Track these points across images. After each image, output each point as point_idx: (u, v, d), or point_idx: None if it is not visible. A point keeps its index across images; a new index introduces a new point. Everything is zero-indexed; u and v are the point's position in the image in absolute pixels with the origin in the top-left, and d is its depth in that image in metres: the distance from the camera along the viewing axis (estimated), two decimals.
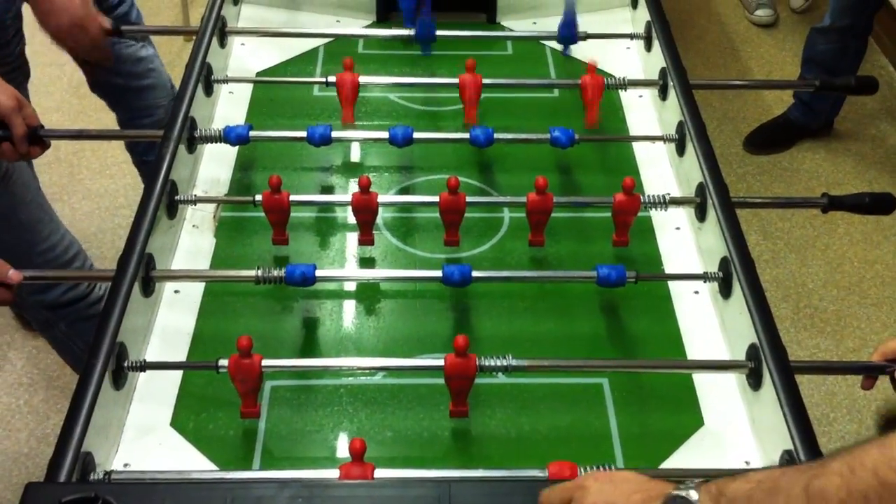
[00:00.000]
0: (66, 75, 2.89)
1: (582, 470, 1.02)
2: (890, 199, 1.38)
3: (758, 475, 0.77)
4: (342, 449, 1.17)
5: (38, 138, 1.45)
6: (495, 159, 1.61)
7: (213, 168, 1.58)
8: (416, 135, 1.51)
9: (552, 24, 1.87)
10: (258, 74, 1.81)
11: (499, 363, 1.14)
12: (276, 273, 1.25)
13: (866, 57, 2.82)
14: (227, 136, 1.50)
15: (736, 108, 3.01)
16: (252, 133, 1.50)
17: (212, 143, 1.53)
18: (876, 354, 1.14)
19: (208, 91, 1.65)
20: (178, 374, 1.22)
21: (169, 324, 1.30)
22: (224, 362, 1.12)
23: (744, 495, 0.76)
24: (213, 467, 1.13)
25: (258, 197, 1.37)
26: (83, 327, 1.81)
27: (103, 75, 2.06)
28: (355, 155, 1.64)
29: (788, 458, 1.02)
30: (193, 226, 1.46)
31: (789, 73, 3.25)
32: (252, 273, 1.26)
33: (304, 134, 1.49)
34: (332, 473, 1.03)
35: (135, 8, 2.10)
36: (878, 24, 2.99)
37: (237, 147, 1.62)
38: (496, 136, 1.52)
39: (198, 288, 1.36)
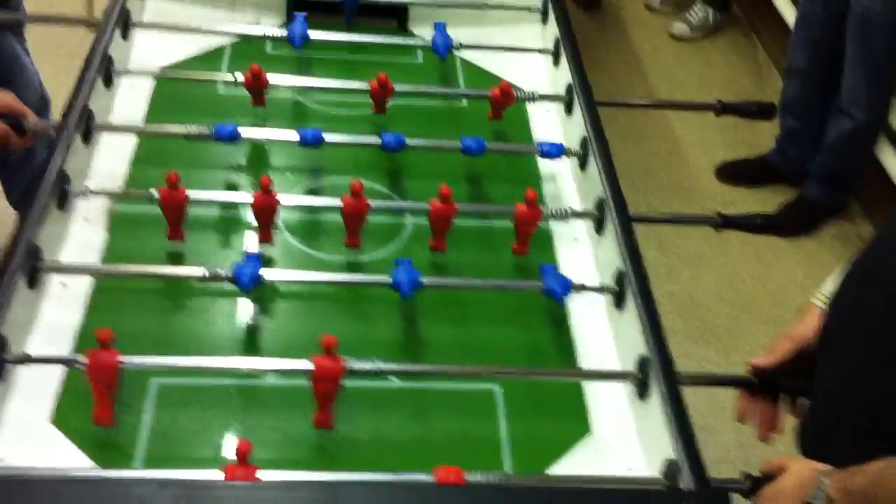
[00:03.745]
0: None
1: (468, 475, 1.02)
2: (778, 221, 1.43)
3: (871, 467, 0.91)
4: (229, 450, 1.15)
5: (22, 130, 1.46)
6: (403, 165, 1.61)
7: (109, 161, 1.54)
8: (327, 137, 1.51)
9: (463, 33, 1.89)
10: (162, 69, 1.77)
11: (367, 367, 1.13)
12: (223, 272, 1.23)
13: None
14: (220, 133, 1.48)
15: (641, 125, 3.08)
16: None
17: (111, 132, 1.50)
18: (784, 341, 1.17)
19: (108, 83, 1.61)
20: (61, 369, 1.18)
21: (54, 319, 1.25)
22: (83, 358, 1.09)
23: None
24: (92, 465, 1.09)
25: (154, 192, 1.35)
26: None
27: None
28: (261, 155, 1.62)
29: (669, 467, 1.04)
30: (85, 219, 1.41)
31: (691, 91, 3.36)
32: (149, 269, 1.25)
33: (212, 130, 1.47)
34: (216, 475, 1.01)
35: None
36: None
37: (135, 140, 1.58)
38: (408, 141, 1.52)
39: (86, 283, 1.32)
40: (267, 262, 1.41)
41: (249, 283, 1.24)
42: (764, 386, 1.16)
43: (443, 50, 1.80)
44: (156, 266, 1.33)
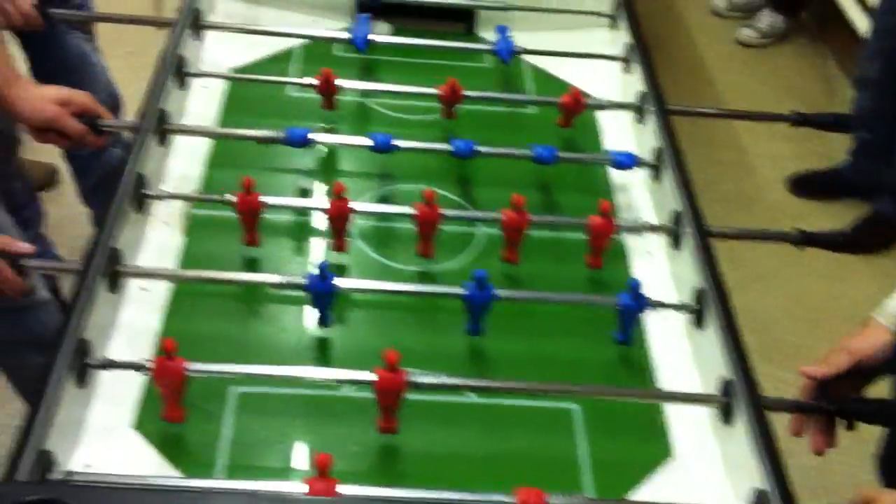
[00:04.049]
0: None
1: (549, 497, 1.01)
2: (860, 241, 1.40)
3: None
4: (306, 461, 1.15)
5: (97, 129, 1.46)
6: (472, 172, 1.60)
7: (184, 164, 1.54)
8: (397, 142, 1.50)
9: (531, 37, 1.87)
10: (233, 70, 1.78)
11: (430, 380, 1.13)
12: (299, 280, 1.24)
13: None
14: (292, 138, 1.49)
15: (706, 132, 3.03)
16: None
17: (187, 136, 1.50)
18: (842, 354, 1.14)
19: (181, 84, 1.62)
20: (142, 374, 1.19)
21: (134, 322, 1.26)
22: (150, 363, 1.10)
23: None
24: (176, 473, 1.10)
25: (230, 196, 1.35)
26: (12, 323, 1.72)
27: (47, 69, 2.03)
28: (331, 159, 1.62)
29: (759, 498, 1.02)
30: (163, 222, 1.42)
31: (758, 99, 3.29)
32: (226, 275, 1.25)
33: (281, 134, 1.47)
34: (298, 487, 1.01)
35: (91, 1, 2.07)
36: None
37: (210, 143, 1.59)
38: (478, 148, 1.51)
39: (165, 286, 1.32)
40: (339, 269, 1.41)
41: (326, 298, 1.24)
42: (844, 416, 1.13)
43: (505, 54, 1.78)
44: (234, 273, 1.33)
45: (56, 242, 2.28)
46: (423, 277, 1.41)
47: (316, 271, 1.23)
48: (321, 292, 1.24)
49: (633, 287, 1.26)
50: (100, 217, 1.30)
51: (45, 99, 1.43)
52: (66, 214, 2.61)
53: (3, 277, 1.18)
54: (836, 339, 2.39)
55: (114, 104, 2.20)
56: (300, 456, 1.15)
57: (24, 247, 1.21)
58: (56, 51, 2.04)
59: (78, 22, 2.05)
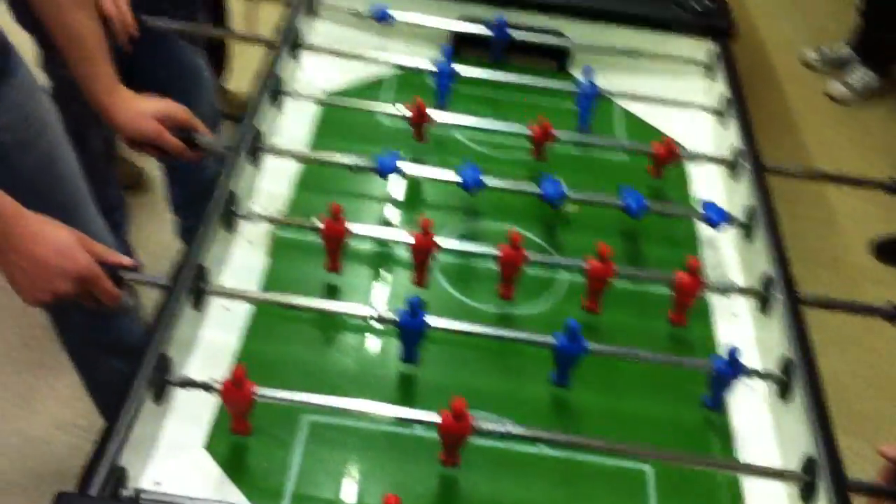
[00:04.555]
0: None
1: None
2: None
3: None
4: (373, 498, 1.14)
5: (194, 145, 1.48)
6: (558, 216, 1.58)
7: (273, 184, 1.55)
8: (486, 181, 1.49)
9: (622, 81, 1.86)
10: (327, 94, 1.79)
11: (495, 428, 1.11)
12: (390, 315, 1.24)
13: None
14: (382, 167, 1.49)
15: (792, 187, 2.96)
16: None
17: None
18: None
19: (276, 104, 1.64)
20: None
21: (214, 341, 1.27)
22: (217, 385, 1.11)
23: None
24: (242, 497, 1.10)
25: (317, 222, 1.35)
26: (95, 326, 1.74)
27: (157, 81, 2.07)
28: (417, 191, 1.61)
29: None
30: (248, 241, 1.43)
31: (846, 156, 3.21)
32: (311, 303, 1.26)
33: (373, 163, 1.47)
34: None
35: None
36: None
37: (298, 165, 1.60)
38: (567, 193, 1.50)
39: (247, 307, 1.33)
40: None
41: (415, 335, 1.24)
42: None
43: (588, 96, 1.76)
44: (321, 300, 1.33)
45: (137, 247, 2.33)
46: (502, 319, 1.40)
47: (405, 307, 1.23)
48: (411, 329, 1.23)
49: (731, 353, 1.23)
50: (187, 229, 1.31)
51: (144, 113, 1.45)
52: (150, 220, 2.66)
53: (103, 288, 1.19)
54: None
55: (215, 119, 2.23)
56: (367, 492, 1.14)
57: (126, 260, 1.23)
58: (171, 63, 2.08)
59: (196, 36, 2.09)
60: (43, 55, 2.05)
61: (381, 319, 1.24)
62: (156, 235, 2.56)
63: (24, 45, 1.58)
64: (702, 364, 1.25)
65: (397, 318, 1.22)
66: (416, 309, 1.22)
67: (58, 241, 1.15)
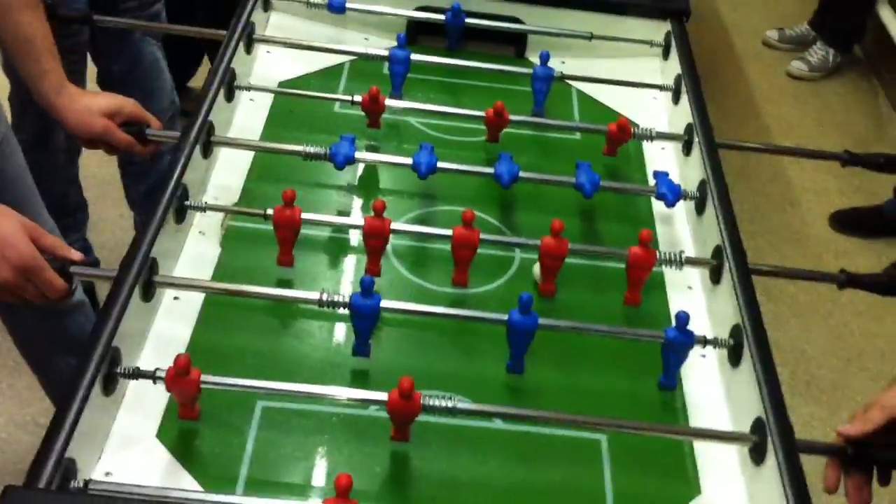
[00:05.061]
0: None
1: None
2: None
3: None
4: (328, 479, 1.14)
5: (146, 139, 1.49)
6: (512, 196, 1.59)
7: (226, 174, 1.55)
8: (440, 164, 1.50)
9: (580, 64, 1.87)
10: (280, 84, 1.79)
11: (444, 404, 1.11)
12: (340, 299, 1.22)
13: None
14: (334, 157, 1.48)
15: (752, 165, 3.00)
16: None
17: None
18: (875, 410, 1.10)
19: (229, 96, 1.63)
20: None
21: (165, 332, 1.27)
22: (162, 373, 1.09)
23: None
24: (196, 486, 1.10)
25: (269, 210, 1.35)
26: (47, 325, 1.75)
27: (117, 74, 2.07)
28: (373, 177, 1.61)
29: None
30: (200, 232, 1.43)
31: (806, 133, 3.25)
32: (263, 290, 1.27)
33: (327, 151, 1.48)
34: None
35: (163, 11, 2.10)
36: None
37: (252, 155, 1.60)
38: (521, 174, 1.50)
39: (198, 297, 1.33)
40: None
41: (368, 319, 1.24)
42: (883, 464, 1.09)
43: (542, 79, 1.76)
44: (272, 288, 1.33)
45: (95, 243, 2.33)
46: (458, 301, 1.40)
47: (357, 289, 1.22)
48: (364, 311, 1.22)
49: (681, 318, 1.23)
50: (142, 223, 1.31)
51: (93, 111, 1.44)
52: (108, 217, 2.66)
53: (45, 279, 1.19)
54: (872, 377, 2.36)
55: (174, 112, 2.23)
56: (321, 474, 1.14)
57: (74, 253, 1.22)
58: (131, 57, 2.07)
59: (154, 32, 2.09)
60: (3, 55, 2.05)
61: (332, 303, 1.23)
62: (115, 234, 2.57)
63: None
64: (655, 335, 1.25)
65: (349, 301, 1.22)
66: (368, 289, 1.22)
67: (1, 230, 1.14)
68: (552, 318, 1.27)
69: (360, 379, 1.27)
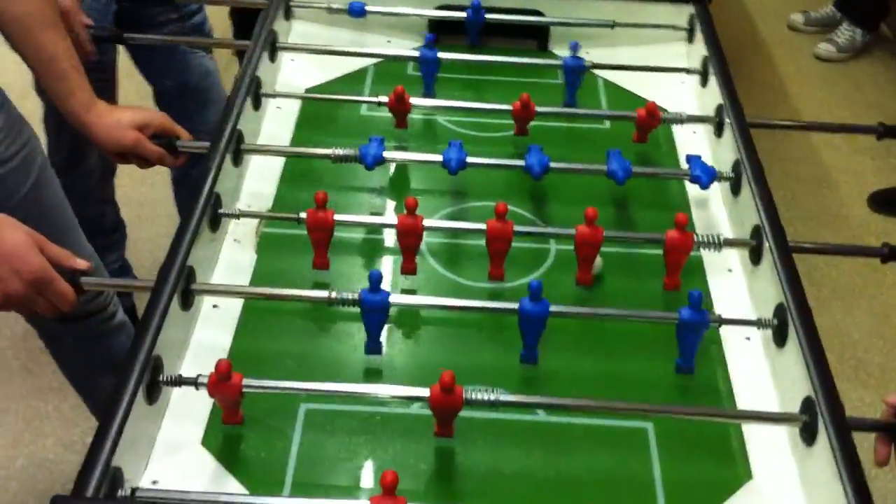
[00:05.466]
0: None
1: None
2: None
3: None
4: (374, 479, 1.13)
5: (177, 150, 1.51)
6: (545, 189, 1.58)
7: (258, 182, 1.56)
8: (469, 160, 1.49)
9: (604, 54, 1.85)
10: (307, 91, 1.79)
11: (487, 397, 1.10)
12: (350, 296, 1.22)
13: None
14: (364, 158, 1.48)
15: (784, 149, 2.96)
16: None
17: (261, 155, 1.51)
18: None
19: (256, 105, 1.64)
20: None
21: (205, 339, 1.27)
22: (204, 379, 1.10)
23: None
24: (243, 490, 1.10)
25: (302, 214, 1.35)
26: (90, 347, 1.76)
27: (171, 89, 2.08)
28: (404, 177, 1.61)
29: None
30: (235, 240, 1.43)
31: (838, 114, 3.20)
32: (299, 293, 1.26)
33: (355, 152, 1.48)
34: None
35: (207, 21, 2.11)
36: None
37: (282, 161, 1.60)
38: (551, 164, 1.49)
39: (236, 304, 1.33)
40: (410, 288, 1.39)
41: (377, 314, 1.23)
42: None
43: (573, 69, 1.75)
44: (299, 290, 1.32)
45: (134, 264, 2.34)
46: (495, 294, 1.39)
47: (368, 284, 1.21)
48: (373, 307, 1.22)
49: (694, 298, 1.20)
50: (177, 233, 1.31)
51: (122, 124, 1.45)
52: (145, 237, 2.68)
53: (56, 290, 1.19)
54: None
55: None
56: (367, 473, 1.14)
57: (81, 262, 1.23)
58: (180, 71, 2.08)
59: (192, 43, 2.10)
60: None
61: (341, 301, 1.22)
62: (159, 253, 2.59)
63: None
64: (670, 316, 1.23)
65: (358, 297, 1.21)
66: (377, 284, 1.21)
67: (10, 242, 1.15)
68: (589, 307, 1.25)
69: (399, 377, 1.26)
